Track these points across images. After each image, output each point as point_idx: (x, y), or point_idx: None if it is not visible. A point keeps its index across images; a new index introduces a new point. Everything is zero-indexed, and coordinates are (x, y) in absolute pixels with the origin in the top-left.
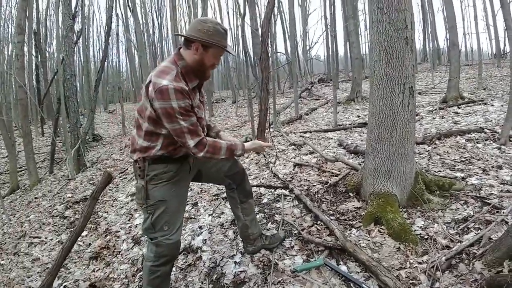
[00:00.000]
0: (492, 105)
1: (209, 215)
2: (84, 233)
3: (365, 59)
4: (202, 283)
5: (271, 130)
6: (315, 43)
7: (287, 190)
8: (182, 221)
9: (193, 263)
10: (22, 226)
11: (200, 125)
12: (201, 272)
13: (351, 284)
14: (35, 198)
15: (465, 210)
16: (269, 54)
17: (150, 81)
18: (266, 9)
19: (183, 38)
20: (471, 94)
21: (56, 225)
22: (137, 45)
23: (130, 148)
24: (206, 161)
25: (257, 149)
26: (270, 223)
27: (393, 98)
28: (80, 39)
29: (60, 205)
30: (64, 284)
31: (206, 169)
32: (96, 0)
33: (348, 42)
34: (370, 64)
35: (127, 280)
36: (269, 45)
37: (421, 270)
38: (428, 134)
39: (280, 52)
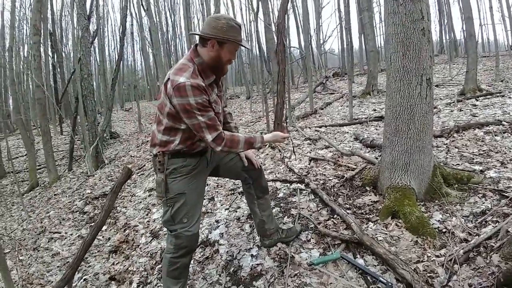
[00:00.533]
0: (510, 98)
1: (226, 209)
2: (104, 227)
3: (381, 52)
4: (219, 276)
5: (287, 124)
6: (329, 36)
7: (303, 185)
8: (201, 213)
9: (210, 256)
10: (41, 222)
11: (218, 120)
12: (219, 265)
13: (368, 277)
14: (55, 194)
15: (483, 203)
16: (286, 46)
17: (168, 79)
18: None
19: (198, 36)
20: (489, 86)
21: (75, 221)
22: (152, 43)
23: (150, 143)
24: (223, 156)
25: (277, 140)
26: (286, 217)
27: (411, 90)
28: (96, 39)
29: (79, 201)
30: (84, 277)
31: (223, 164)
32: (110, 0)
33: (363, 35)
34: (387, 56)
35: (146, 273)
36: (285, 38)
37: (438, 263)
38: (446, 127)
39: (294, 47)
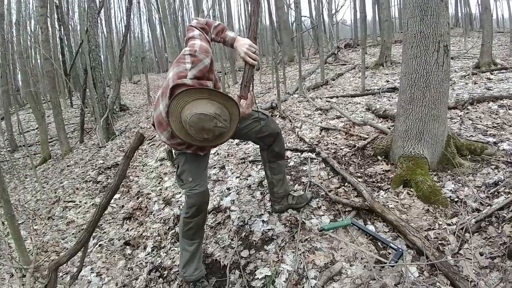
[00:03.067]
0: None
1: (237, 177)
2: (117, 195)
3: (395, 23)
4: (231, 240)
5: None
6: (341, 6)
7: (314, 154)
8: (206, 174)
9: (222, 221)
10: (55, 192)
11: None
12: (230, 230)
13: (379, 243)
14: (67, 166)
15: (496, 174)
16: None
17: None
18: None
19: None
20: (503, 60)
21: (89, 190)
22: (160, 10)
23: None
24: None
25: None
26: (297, 184)
27: (427, 57)
28: (102, 10)
29: (92, 171)
30: (99, 243)
31: (238, 130)
32: None
33: (377, 4)
34: (404, 21)
35: (159, 237)
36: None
37: (450, 232)
38: (460, 99)
39: (305, 16)
